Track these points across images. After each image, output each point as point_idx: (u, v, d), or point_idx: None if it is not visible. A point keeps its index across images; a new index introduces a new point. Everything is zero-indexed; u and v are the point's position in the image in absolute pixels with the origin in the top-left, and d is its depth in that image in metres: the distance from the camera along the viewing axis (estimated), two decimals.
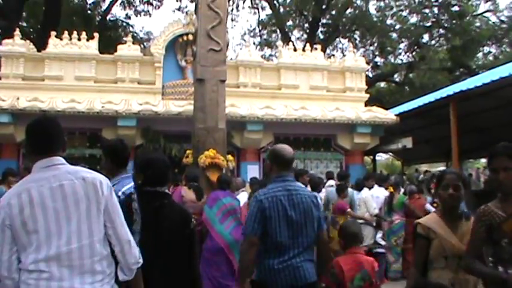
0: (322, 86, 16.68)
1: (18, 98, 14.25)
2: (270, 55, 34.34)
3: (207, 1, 10.06)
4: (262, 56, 19.16)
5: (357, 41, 32.93)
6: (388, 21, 30.95)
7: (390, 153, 25.69)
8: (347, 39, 33.96)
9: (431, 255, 4.21)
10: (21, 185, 3.20)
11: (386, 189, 12.40)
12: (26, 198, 3.07)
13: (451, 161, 24.53)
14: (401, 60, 32.93)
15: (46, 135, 3.29)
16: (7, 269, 3.06)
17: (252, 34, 36.06)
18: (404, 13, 30.91)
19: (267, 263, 4.61)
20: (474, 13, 30.45)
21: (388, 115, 16.01)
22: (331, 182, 12.72)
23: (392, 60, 32.45)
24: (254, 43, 33.08)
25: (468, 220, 4.22)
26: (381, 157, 31.32)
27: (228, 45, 10.58)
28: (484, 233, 3.81)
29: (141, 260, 3.39)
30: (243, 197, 9.70)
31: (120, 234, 3.27)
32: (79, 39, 15.73)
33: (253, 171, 14.87)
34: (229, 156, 9.87)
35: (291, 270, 4.59)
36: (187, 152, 9.86)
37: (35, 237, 3.07)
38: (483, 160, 32.08)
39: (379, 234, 11.88)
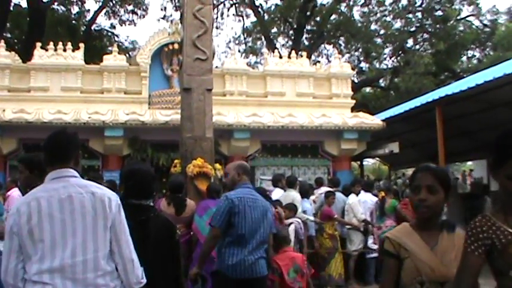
0: (309, 92, 16.69)
1: (4, 110, 14.18)
2: (256, 62, 34.46)
3: (192, 10, 10.10)
4: (247, 64, 19.15)
5: (342, 47, 33.10)
6: (373, 27, 31.11)
7: (377, 158, 25.72)
8: (332, 45, 34.15)
9: (402, 280, 3.17)
10: (32, 194, 3.26)
11: (374, 194, 12.52)
12: (35, 207, 3.13)
13: (437, 164, 24.75)
14: (386, 65, 33.14)
15: (58, 147, 3.40)
16: (13, 277, 3.12)
17: (237, 42, 36.17)
18: (388, 18, 31.13)
19: (228, 257, 5.64)
20: (457, 17, 30.69)
21: (375, 120, 16.07)
22: (324, 189, 12.77)
23: (377, 65, 32.58)
24: (239, 51, 33.14)
25: (451, 232, 3.19)
26: (368, 162, 31.35)
27: (214, 54, 10.62)
28: (481, 258, 2.69)
29: (143, 280, 3.42)
30: None
31: (124, 253, 3.30)
32: (64, 50, 15.64)
33: None
34: (217, 165, 9.91)
35: (247, 265, 5.62)
36: (176, 161, 9.88)
37: (40, 247, 3.11)
38: (469, 163, 32.27)
39: (371, 240, 11.98)
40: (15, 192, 11.56)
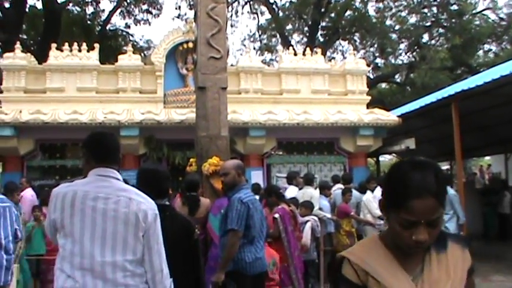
0: (324, 89, 16.65)
1: (20, 111, 14.28)
2: (271, 59, 34.40)
3: (206, 9, 10.05)
4: (262, 61, 19.16)
5: (357, 43, 32.97)
6: (388, 22, 30.94)
7: (393, 154, 25.62)
8: (347, 42, 34.03)
9: None
10: (71, 184, 3.31)
11: None
12: (69, 198, 3.19)
13: (454, 159, 24.64)
14: (402, 60, 32.94)
15: (107, 146, 3.48)
16: None
17: (251, 39, 36.14)
18: (403, 13, 30.94)
19: (242, 256, 5.90)
20: (473, 11, 30.44)
21: (391, 116, 16.01)
22: (339, 186, 12.78)
23: (392, 61, 32.42)
24: (254, 48, 33.20)
25: (442, 251, 2.22)
26: (384, 158, 31.30)
27: (228, 52, 10.58)
28: None
29: None
30: None
31: (154, 263, 3.29)
32: (80, 51, 15.72)
33: (257, 176, 14.85)
34: None
35: (259, 261, 6.00)
36: (191, 160, 9.86)
37: (70, 240, 3.17)
38: (487, 158, 32.09)
39: None
40: (28, 192, 11.72)
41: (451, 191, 11.08)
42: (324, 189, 11.84)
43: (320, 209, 11.08)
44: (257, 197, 7.63)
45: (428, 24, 31.26)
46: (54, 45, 15.91)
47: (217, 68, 9.98)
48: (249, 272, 5.93)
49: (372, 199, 11.88)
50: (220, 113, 9.86)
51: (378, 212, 11.66)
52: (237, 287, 6.18)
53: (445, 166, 33.50)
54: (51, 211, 3.24)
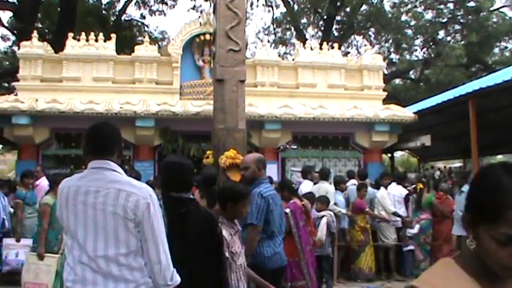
0: (340, 84, 16.58)
1: (36, 100, 14.31)
2: (285, 53, 34.39)
3: (225, 1, 10.00)
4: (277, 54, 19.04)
5: (372, 38, 32.86)
6: (403, 18, 30.83)
7: (406, 151, 25.55)
8: (362, 37, 33.95)
9: None
10: (67, 180, 3.41)
11: (404, 187, 12.44)
12: (65, 194, 3.27)
13: (468, 157, 24.52)
14: (417, 56, 32.82)
15: (100, 138, 3.42)
16: None
17: (266, 32, 36.13)
18: (419, 9, 30.81)
19: (262, 250, 5.89)
20: (490, 8, 30.21)
21: (407, 113, 15.93)
22: (353, 181, 12.76)
23: (407, 56, 32.30)
24: (268, 41, 33.10)
25: None
26: (396, 154, 31.22)
27: (247, 45, 10.56)
28: None
29: (172, 283, 3.32)
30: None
31: (150, 254, 3.22)
32: (96, 40, 15.75)
33: (271, 170, 14.80)
34: None
35: (278, 256, 6.01)
36: (208, 152, 9.81)
37: (69, 235, 3.25)
38: (499, 156, 31.97)
39: (414, 230, 11.84)
40: (44, 181, 11.77)
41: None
42: (339, 184, 11.82)
43: (335, 204, 11.06)
44: None
45: (445, 20, 31.10)
46: (71, 35, 15.94)
47: (235, 61, 9.93)
48: (268, 266, 5.91)
49: (386, 195, 11.86)
50: (238, 105, 9.82)
51: (392, 209, 11.67)
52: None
53: (458, 164, 33.49)
54: (58, 207, 3.38)
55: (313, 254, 8.67)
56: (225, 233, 4.58)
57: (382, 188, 12.16)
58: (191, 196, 4.65)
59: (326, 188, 11.09)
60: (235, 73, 9.85)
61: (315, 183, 11.38)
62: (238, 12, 10.06)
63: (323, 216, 9.86)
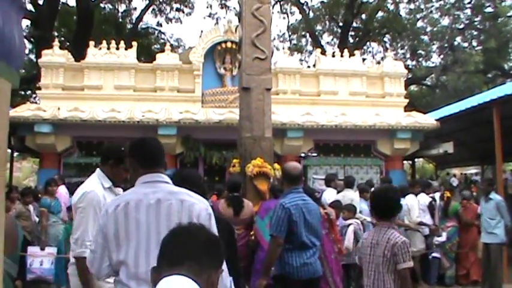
0: (361, 91, 16.56)
1: (59, 108, 14.37)
2: (300, 60, 34.28)
3: (251, 9, 10.01)
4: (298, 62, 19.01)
5: (387, 45, 32.78)
6: (419, 24, 30.76)
7: (426, 158, 25.39)
8: (377, 43, 33.88)
9: None
10: (122, 196, 3.34)
11: (427, 194, 12.35)
12: (121, 209, 3.16)
13: (487, 164, 24.38)
14: (433, 63, 32.69)
15: (153, 151, 3.43)
16: (96, 270, 3.28)
17: (281, 39, 36.08)
18: (435, 15, 30.70)
19: (290, 261, 5.78)
20: (508, 14, 30.07)
21: (428, 120, 15.86)
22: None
23: (423, 63, 32.22)
24: (283, 48, 33.09)
25: None
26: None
27: (273, 53, 10.51)
28: None
29: None
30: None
31: None
32: (117, 48, 15.79)
33: None
34: (276, 165, 9.78)
35: (309, 267, 5.81)
36: (234, 161, 9.79)
37: (124, 250, 3.12)
38: None
39: (442, 238, 11.78)
40: (62, 189, 11.79)
41: (497, 196, 10.97)
42: (364, 192, 11.72)
43: (360, 212, 10.98)
44: None
45: (462, 26, 30.96)
46: (92, 43, 15.99)
47: (261, 69, 9.92)
48: (296, 276, 5.84)
49: (416, 204, 11.76)
50: (264, 114, 9.80)
51: (418, 219, 11.57)
52: None
53: (473, 170, 33.29)
54: (102, 224, 3.23)
55: (339, 262, 8.59)
56: None
57: (412, 196, 12.05)
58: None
59: (351, 196, 11.00)
60: (261, 81, 9.85)
61: (338, 192, 11.31)
62: (264, 20, 10.08)
63: (350, 224, 9.78)
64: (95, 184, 4.49)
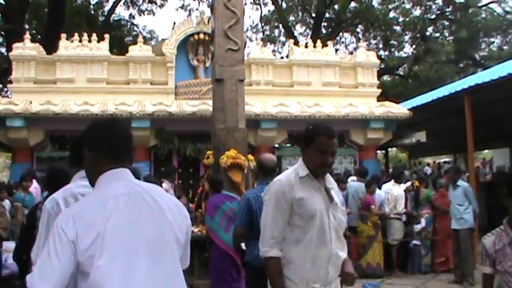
0: (335, 82, 16.62)
1: (30, 102, 14.23)
2: (273, 51, 34.26)
3: (223, 0, 9.98)
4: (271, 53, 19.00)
5: (360, 35, 32.89)
6: (391, 15, 30.89)
7: (399, 148, 25.57)
8: (350, 34, 33.98)
9: None
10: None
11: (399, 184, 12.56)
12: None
13: (459, 152, 24.65)
14: (406, 53, 32.88)
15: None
16: None
17: (254, 30, 36.02)
18: (407, 6, 30.87)
19: (254, 249, 5.64)
20: (479, 4, 30.33)
21: (401, 110, 15.99)
22: (352, 178, 12.92)
23: (396, 53, 32.38)
24: (256, 39, 33.05)
25: None
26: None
27: (245, 44, 10.50)
28: None
29: None
30: None
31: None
32: (89, 41, 15.66)
33: None
34: (250, 156, 9.80)
35: None
36: (208, 152, 9.77)
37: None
38: (486, 151, 32.15)
39: (422, 224, 11.98)
40: (34, 184, 11.76)
41: (464, 183, 11.19)
42: (340, 183, 11.79)
43: None
44: None
45: (433, 17, 31.17)
46: (63, 36, 15.85)
47: (234, 60, 9.90)
48: (258, 265, 5.81)
49: (402, 193, 12.05)
50: (237, 105, 9.79)
51: (402, 208, 11.83)
52: (247, 277, 6.63)
53: (446, 159, 33.64)
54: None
55: None
56: None
57: (401, 186, 12.34)
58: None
59: None
60: (234, 72, 9.83)
61: None
62: (237, 11, 10.06)
63: None
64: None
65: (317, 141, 3.69)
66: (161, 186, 7.58)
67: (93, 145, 2.69)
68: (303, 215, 3.64)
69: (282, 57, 25.89)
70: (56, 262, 2.32)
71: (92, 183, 2.71)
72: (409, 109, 16.00)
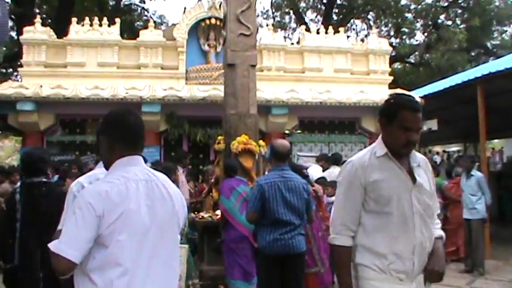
0: (346, 68, 16.57)
1: (41, 86, 14.22)
2: (284, 37, 34.04)
3: None
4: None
5: (371, 22, 32.71)
6: (403, 2, 30.66)
7: None
8: (361, 21, 33.80)
9: None
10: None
11: None
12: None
13: (469, 142, 24.50)
14: (417, 40, 32.67)
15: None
16: None
17: (265, 16, 35.85)
18: None
19: (266, 236, 6.00)
20: None
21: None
22: None
23: (407, 41, 32.19)
24: (267, 25, 32.93)
25: None
26: None
27: (258, 29, 10.41)
28: None
29: None
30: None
31: None
32: (100, 25, 15.63)
33: None
34: (261, 142, 9.75)
35: (282, 242, 5.96)
36: (219, 138, 9.71)
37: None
38: (496, 141, 31.94)
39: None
40: None
41: (478, 173, 11.05)
42: None
43: None
44: None
45: (446, 4, 30.91)
46: (74, 20, 15.78)
47: (246, 45, 9.82)
48: (268, 252, 6.04)
49: None
50: (249, 90, 9.72)
51: None
52: (258, 265, 6.56)
53: (455, 148, 33.46)
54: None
55: (326, 239, 8.60)
56: None
57: None
58: (44, 180, 5.20)
59: (337, 173, 11.01)
60: (246, 57, 9.75)
61: (326, 169, 11.29)
62: None
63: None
64: None
65: (400, 116, 3.22)
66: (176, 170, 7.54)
67: (111, 132, 2.97)
68: (378, 199, 3.26)
69: (292, 44, 25.70)
70: (83, 232, 2.61)
71: (107, 167, 2.99)
72: (421, 97, 15.87)
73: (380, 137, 3.43)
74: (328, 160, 11.80)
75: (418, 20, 31.05)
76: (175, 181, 7.45)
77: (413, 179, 3.31)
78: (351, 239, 3.34)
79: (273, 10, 35.26)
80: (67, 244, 2.59)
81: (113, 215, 2.64)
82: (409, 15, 30.89)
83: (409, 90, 17.11)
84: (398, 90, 15.75)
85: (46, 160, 5.37)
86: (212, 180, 10.08)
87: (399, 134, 3.24)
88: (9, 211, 5.24)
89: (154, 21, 19.36)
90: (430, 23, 30.68)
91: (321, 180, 9.64)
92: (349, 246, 3.33)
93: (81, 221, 2.61)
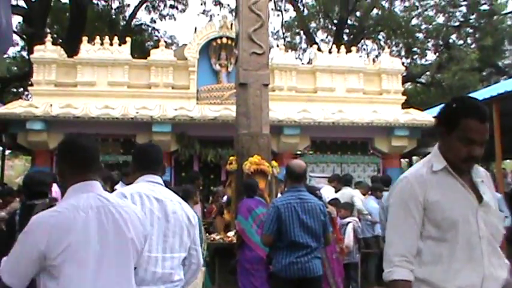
0: (359, 88, 16.45)
1: (51, 105, 14.18)
2: (295, 58, 34.06)
3: (248, 3, 9.81)
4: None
5: (382, 42, 32.64)
6: (414, 22, 30.61)
7: (420, 156, 25.20)
8: (371, 41, 33.76)
9: None
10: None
11: None
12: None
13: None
14: (428, 60, 32.53)
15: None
16: None
17: (275, 37, 35.85)
18: (430, 13, 30.54)
19: (282, 259, 5.83)
20: (504, 12, 29.90)
21: (426, 117, 15.70)
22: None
23: (418, 60, 32.08)
24: (277, 45, 32.90)
25: None
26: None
27: (270, 48, 10.32)
28: None
29: None
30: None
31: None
32: (111, 44, 15.58)
33: None
34: (274, 162, 9.60)
35: (301, 265, 5.78)
36: (231, 158, 9.59)
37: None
38: (508, 161, 31.62)
39: None
40: (54, 187, 11.63)
41: (497, 194, 10.78)
42: (376, 191, 11.42)
43: (370, 214, 10.79)
44: None
45: (457, 24, 30.81)
46: (85, 39, 15.76)
47: (259, 64, 9.74)
48: (284, 275, 5.86)
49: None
50: (261, 110, 9.62)
51: None
52: None
53: None
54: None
55: (341, 262, 8.43)
56: None
57: None
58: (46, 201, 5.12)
59: (350, 193, 10.89)
60: (258, 77, 9.66)
61: (338, 190, 11.13)
62: (261, 14, 9.91)
63: (348, 222, 9.62)
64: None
65: (463, 125, 2.74)
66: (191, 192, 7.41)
67: (61, 158, 3.02)
68: (440, 223, 2.75)
69: (303, 64, 25.66)
70: (22, 262, 2.66)
71: (63, 193, 3.01)
72: (434, 117, 15.66)
73: (436, 147, 2.98)
74: (341, 181, 11.64)
75: (429, 39, 30.95)
76: (195, 203, 7.46)
77: (479, 197, 2.82)
78: (411, 273, 2.78)
79: (284, 30, 35.26)
80: (8, 271, 2.68)
81: (58, 246, 2.64)
82: (420, 35, 30.82)
83: (421, 111, 17.00)
84: (412, 110, 15.66)
85: (47, 183, 5.57)
86: (222, 201, 9.95)
87: (460, 146, 2.78)
88: (8, 232, 5.41)
89: (165, 41, 19.37)
90: (441, 42, 30.56)
91: (334, 202, 9.48)
92: (410, 280, 2.77)
93: (21, 253, 2.68)
